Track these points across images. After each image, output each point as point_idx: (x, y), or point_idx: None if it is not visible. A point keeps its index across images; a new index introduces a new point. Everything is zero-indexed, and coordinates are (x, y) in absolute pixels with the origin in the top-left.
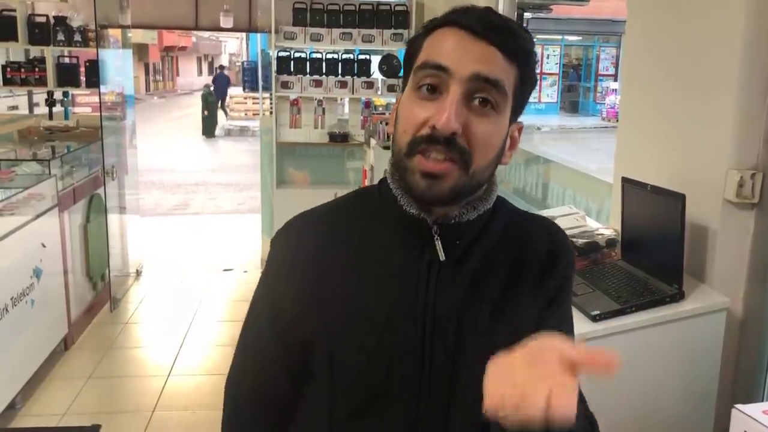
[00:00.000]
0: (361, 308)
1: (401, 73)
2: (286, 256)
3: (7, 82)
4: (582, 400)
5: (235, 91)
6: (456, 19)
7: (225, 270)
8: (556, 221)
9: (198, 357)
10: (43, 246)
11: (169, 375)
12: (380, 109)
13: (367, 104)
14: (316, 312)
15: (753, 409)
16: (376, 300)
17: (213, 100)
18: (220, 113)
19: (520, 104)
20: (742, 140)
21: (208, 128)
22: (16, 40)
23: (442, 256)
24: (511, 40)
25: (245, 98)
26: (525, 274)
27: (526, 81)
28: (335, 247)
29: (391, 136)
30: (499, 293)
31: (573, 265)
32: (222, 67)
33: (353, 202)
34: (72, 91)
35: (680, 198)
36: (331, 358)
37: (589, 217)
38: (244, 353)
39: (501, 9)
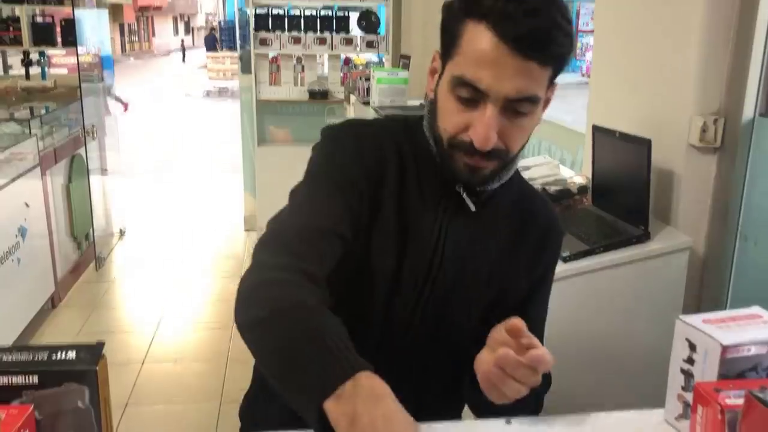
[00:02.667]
0: (393, 231)
1: (380, 30)
2: (354, 154)
3: None
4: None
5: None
6: (495, 20)
7: (208, 227)
8: (531, 170)
9: (184, 311)
10: (27, 205)
11: (156, 329)
12: (360, 67)
13: (347, 61)
14: (365, 219)
15: (694, 319)
16: (402, 227)
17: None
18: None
19: (556, 76)
20: (706, 87)
21: None
22: None
23: (472, 207)
24: (549, 50)
25: (223, 58)
26: (526, 241)
27: (563, 64)
28: (386, 165)
29: (428, 101)
30: (501, 252)
31: (562, 242)
32: (213, 29)
33: (401, 134)
34: (48, 50)
35: (646, 143)
36: (359, 265)
37: (564, 166)
38: (301, 206)
39: None
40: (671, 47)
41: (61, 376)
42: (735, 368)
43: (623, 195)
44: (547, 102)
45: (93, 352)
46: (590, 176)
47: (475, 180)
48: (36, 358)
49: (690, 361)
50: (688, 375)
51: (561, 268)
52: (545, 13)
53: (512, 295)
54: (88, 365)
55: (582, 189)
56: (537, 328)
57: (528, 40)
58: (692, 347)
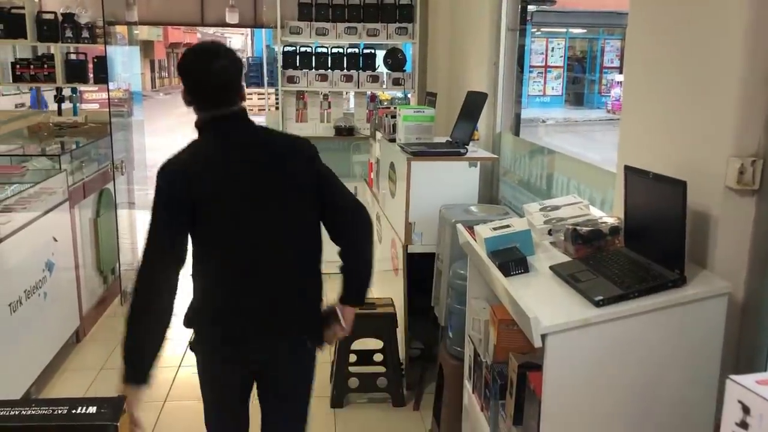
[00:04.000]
0: None
1: (407, 68)
2: None
3: (17, 78)
4: None
5: None
6: None
7: None
8: (561, 210)
9: None
10: (55, 240)
11: (179, 365)
12: (385, 102)
13: (372, 98)
14: None
15: (747, 379)
16: None
17: None
18: None
19: None
20: (743, 128)
21: None
22: (24, 37)
23: None
24: None
25: (250, 94)
26: None
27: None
28: None
29: None
30: None
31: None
32: None
33: None
34: (80, 87)
35: (681, 185)
36: None
37: (594, 206)
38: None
39: (504, 3)
40: (706, 87)
41: None
42: None
43: (657, 237)
44: None
45: (114, 406)
46: (622, 217)
47: None
48: (55, 413)
49: (744, 425)
50: None
51: (595, 312)
52: None
53: None
54: (108, 420)
55: (614, 230)
56: None
57: None
58: (746, 410)
